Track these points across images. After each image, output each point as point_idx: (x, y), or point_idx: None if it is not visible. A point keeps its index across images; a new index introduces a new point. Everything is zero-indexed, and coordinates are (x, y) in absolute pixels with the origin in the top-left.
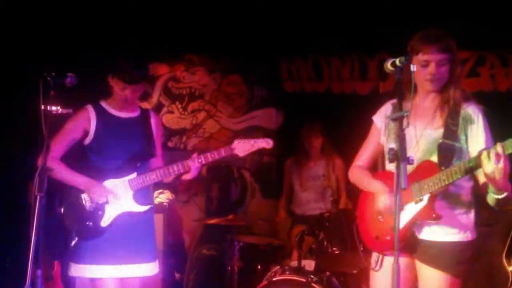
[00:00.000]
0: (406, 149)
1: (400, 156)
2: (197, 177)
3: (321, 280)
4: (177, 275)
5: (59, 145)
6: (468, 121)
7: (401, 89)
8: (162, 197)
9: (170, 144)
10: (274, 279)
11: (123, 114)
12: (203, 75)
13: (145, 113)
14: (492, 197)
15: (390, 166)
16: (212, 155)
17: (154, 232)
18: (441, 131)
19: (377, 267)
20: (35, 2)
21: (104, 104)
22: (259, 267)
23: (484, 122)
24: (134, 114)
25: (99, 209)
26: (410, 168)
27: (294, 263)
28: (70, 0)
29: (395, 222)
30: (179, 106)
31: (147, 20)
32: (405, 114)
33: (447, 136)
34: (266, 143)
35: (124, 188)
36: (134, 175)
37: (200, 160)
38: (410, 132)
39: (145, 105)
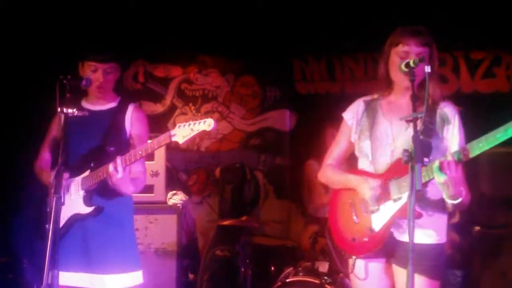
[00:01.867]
0: (420, 150)
1: (414, 157)
2: (211, 179)
3: (335, 282)
4: (190, 276)
5: (44, 147)
6: (445, 120)
7: (381, 85)
8: (176, 198)
9: (183, 145)
10: (287, 280)
11: (95, 107)
12: (216, 76)
13: (122, 106)
14: (447, 202)
15: (363, 165)
16: (152, 146)
17: (125, 239)
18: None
19: (363, 275)
20: (35, 2)
21: (83, 100)
22: (272, 268)
23: (460, 124)
24: (108, 106)
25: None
26: (384, 166)
27: (307, 265)
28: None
29: (409, 225)
30: (193, 107)
31: (161, 22)
32: (420, 116)
33: (425, 134)
34: (207, 125)
35: (76, 187)
36: (87, 173)
37: (140, 153)
38: (386, 129)
39: (159, 107)
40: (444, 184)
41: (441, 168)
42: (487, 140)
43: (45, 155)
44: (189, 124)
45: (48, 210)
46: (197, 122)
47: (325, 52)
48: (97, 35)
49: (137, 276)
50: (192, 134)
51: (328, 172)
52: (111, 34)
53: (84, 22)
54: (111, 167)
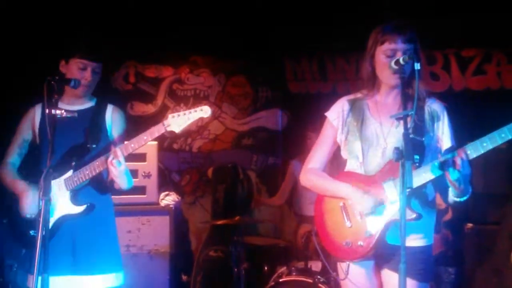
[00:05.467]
0: (411, 148)
1: (404, 155)
2: (203, 179)
3: (328, 281)
4: (184, 277)
5: (11, 148)
6: (435, 117)
7: (367, 85)
8: (168, 199)
9: (175, 146)
10: (280, 280)
11: (73, 107)
12: (207, 76)
13: (101, 105)
14: (452, 199)
15: (353, 166)
16: (145, 137)
17: (110, 239)
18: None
19: (343, 275)
20: (34, 4)
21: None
22: (265, 268)
23: (449, 119)
24: (86, 106)
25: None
26: (376, 166)
27: (300, 264)
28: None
29: (401, 222)
30: (184, 108)
31: (150, 22)
32: (410, 114)
33: (416, 132)
34: (203, 112)
35: (59, 189)
36: (69, 173)
37: (132, 146)
38: (376, 129)
39: (150, 107)
40: (456, 181)
41: (454, 166)
42: (491, 140)
43: (15, 161)
44: (184, 113)
45: (26, 216)
46: (192, 110)
47: (316, 51)
48: (88, 35)
49: (119, 277)
50: (189, 122)
51: (313, 177)
52: (103, 34)
53: (75, 23)
54: (113, 159)
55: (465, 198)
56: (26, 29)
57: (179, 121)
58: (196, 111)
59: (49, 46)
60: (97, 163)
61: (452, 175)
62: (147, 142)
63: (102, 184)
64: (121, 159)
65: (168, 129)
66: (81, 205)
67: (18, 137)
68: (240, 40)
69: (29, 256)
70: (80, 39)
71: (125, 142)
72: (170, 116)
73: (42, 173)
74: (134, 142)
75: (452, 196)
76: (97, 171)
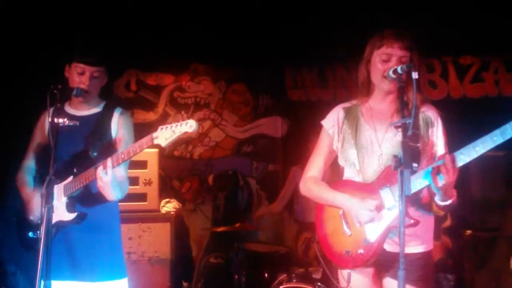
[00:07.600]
0: (409, 156)
1: (403, 163)
2: (204, 186)
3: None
4: (184, 284)
5: (28, 152)
6: (429, 123)
7: (362, 90)
8: (169, 206)
9: (176, 153)
10: (281, 286)
11: (79, 112)
12: (208, 84)
13: (107, 111)
14: (438, 203)
15: (350, 174)
16: (134, 149)
17: (112, 246)
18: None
19: (345, 284)
20: (34, 5)
21: (66, 105)
22: (266, 275)
23: (443, 126)
24: (92, 111)
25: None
26: (373, 173)
27: (301, 271)
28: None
29: (400, 230)
30: (185, 115)
31: (151, 30)
32: (408, 121)
33: (411, 139)
34: (188, 127)
35: (59, 194)
36: (70, 179)
37: (122, 156)
38: (370, 136)
39: (151, 115)
40: (441, 188)
41: (441, 174)
42: (483, 144)
43: (30, 164)
44: (171, 126)
45: (30, 218)
46: (179, 124)
47: (316, 59)
48: (90, 42)
49: (123, 284)
50: (174, 136)
51: (312, 187)
52: (104, 42)
53: (77, 29)
54: (100, 169)
55: (449, 202)
56: (26, 29)
57: (165, 134)
58: (181, 125)
59: (49, 47)
60: (90, 172)
61: (439, 181)
62: (136, 154)
63: (100, 192)
64: (109, 170)
65: (155, 141)
66: (71, 212)
67: (32, 141)
68: (240, 48)
69: (32, 261)
70: (79, 43)
71: (117, 153)
72: (159, 128)
73: (44, 180)
74: (124, 153)
75: (436, 200)
76: (90, 179)
